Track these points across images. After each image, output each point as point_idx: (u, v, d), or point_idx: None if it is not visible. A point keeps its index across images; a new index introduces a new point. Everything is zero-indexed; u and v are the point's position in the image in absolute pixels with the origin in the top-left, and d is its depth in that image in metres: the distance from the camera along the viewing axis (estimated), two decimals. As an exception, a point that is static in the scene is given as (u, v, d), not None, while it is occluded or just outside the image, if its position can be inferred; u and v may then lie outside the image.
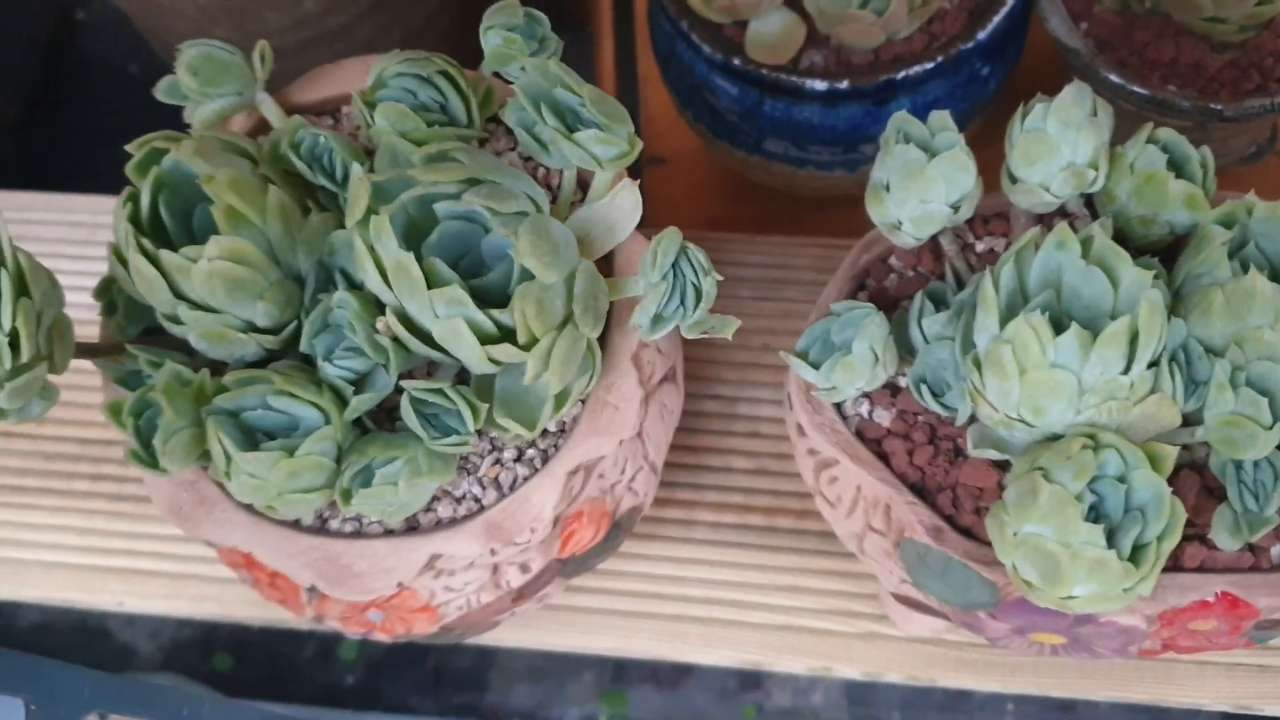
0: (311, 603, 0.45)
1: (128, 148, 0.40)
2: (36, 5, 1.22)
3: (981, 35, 0.60)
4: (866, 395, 0.45)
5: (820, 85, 0.60)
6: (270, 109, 0.45)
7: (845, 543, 0.48)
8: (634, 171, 0.87)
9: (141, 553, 0.59)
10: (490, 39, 0.42)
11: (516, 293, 0.36)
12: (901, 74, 0.59)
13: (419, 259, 0.36)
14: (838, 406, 0.46)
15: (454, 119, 0.42)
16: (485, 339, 0.36)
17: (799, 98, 0.62)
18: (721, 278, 0.39)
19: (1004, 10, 0.60)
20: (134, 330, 0.43)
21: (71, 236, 0.64)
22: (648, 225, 0.66)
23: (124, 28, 0.89)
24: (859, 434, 0.45)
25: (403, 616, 0.45)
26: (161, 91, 0.44)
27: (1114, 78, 0.61)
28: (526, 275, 0.37)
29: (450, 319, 0.36)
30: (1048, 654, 0.48)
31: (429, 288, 0.35)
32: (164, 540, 0.59)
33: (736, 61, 0.61)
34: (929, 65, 0.59)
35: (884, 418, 0.45)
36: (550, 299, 0.36)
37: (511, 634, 0.56)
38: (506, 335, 0.36)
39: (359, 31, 0.82)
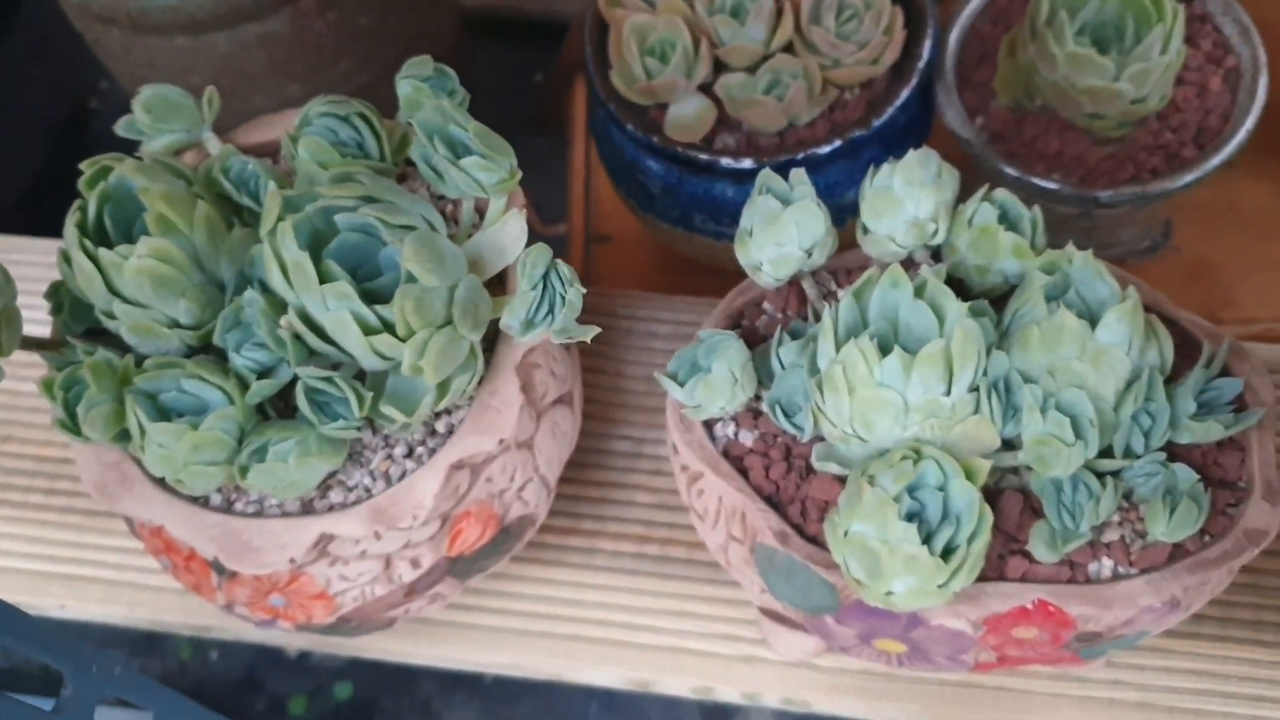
0: (222, 586, 0.50)
1: (80, 165, 0.46)
2: (53, 93, 1.31)
3: (876, 123, 0.66)
4: (733, 418, 0.50)
5: (729, 163, 0.66)
6: (214, 146, 0.51)
7: (716, 557, 0.53)
8: (584, 248, 0.93)
9: (85, 560, 0.63)
10: (403, 87, 0.48)
11: (398, 291, 0.41)
12: (801, 155, 0.66)
13: (318, 262, 0.42)
14: (708, 428, 0.51)
15: (369, 155, 0.48)
16: (368, 330, 0.41)
17: (713, 175, 0.68)
18: (585, 290, 0.44)
19: (898, 102, 0.67)
20: (78, 329, 0.48)
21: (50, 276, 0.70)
22: (594, 285, 0.71)
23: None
24: (725, 452, 0.50)
25: (302, 603, 0.49)
26: (121, 127, 0.51)
27: (1004, 167, 0.68)
28: (412, 279, 0.42)
29: (339, 312, 0.41)
30: (896, 665, 0.51)
31: (321, 283, 0.41)
32: (105, 550, 0.63)
33: (656, 140, 0.67)
34: (827, 149, 0.66)
35: (747, 439, 0.50)
36: (430, 300, 0.42)
37: (414, 646, 0.60)
38: (389, 329, 0.42)
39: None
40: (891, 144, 0.70)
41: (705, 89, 0.67)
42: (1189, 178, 0.66)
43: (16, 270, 0.47)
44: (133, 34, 0.86)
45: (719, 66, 0.67)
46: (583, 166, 1.05)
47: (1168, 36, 0.65)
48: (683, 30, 0.65)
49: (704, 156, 0.66)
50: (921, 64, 0.67)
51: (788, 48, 0.66)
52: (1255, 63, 0.68)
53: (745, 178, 0.67)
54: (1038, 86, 0.68)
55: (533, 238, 0.45)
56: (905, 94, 0.67)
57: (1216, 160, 0.66)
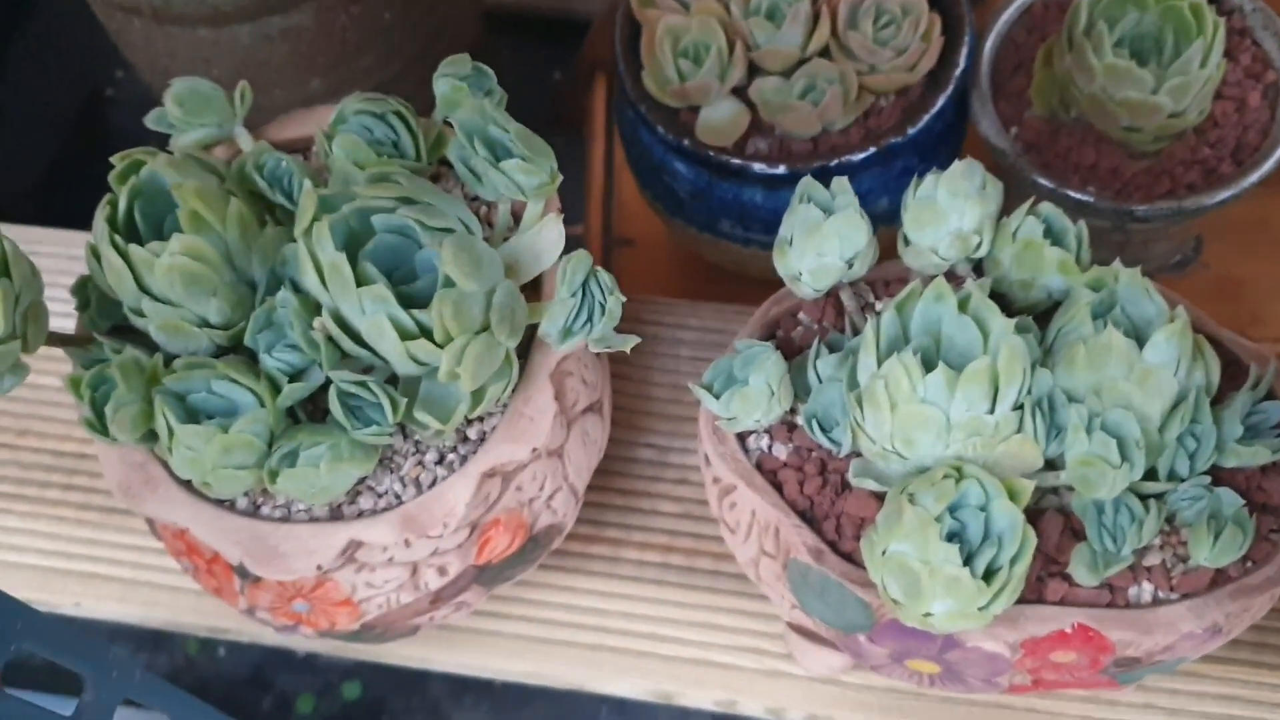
0: (244, 591, 0.49)
1: (112, 159, 0.45)
2: (69, 82, 1.31)
3: (912, 131, 0.65)
4: (768, 431, 0.50)
5: (762, 168, 0.65)
6: (246, 141, 0.50)
7: (745, 569, 0.52)
8: (605, 251, 0.92)
9: (101, 558, 0.62)
10: (440, 86, 0.47)
11: (436, 296, 0.40)
12: (835, 162, 0.65)
13: (354, 264, 0.41)
14: (741, 440, 0.50)
15: (404, 154, 0.47)
16: (405, 335, 0.41)
17: (744, 180, 0.67)
18: (625, 298, 0.43)
19: (934, 110, 0.66)
20: (105, 325, 0.48)
21: (71, 269, 0.69)
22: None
23: (149, 105, 0.97)
24: (758, 465, 0.49)
25: (326, 609, 0.49)
26: (151, 120, 0.50)
27: (1038, 178, 0.67)
28: (449, 284, 0.41)
29: (375, 316, 0.40)
30: (927, 685, 0.51)
31: (358, 286, 0.40)
32: (123, 548, 0.62)
33: (687, 143, 0.66)
34: (861, 156, 0.65)
35: (781, 452, 0.49)
36: (468, 305, 0.41)
37: (436, 652, 0.59)
38: (426, 334, 0.41)
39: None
40: (926, 152, 0.69)
41: (739, 92, 0.66)
42: (1226, 194, 0.65)
43: (36, 262, 0.46)
44: (155, 24, 0.85)
45: (753, 70, 0.66)
46: (602, 167, 1.04)
47: (1208, 50, 0.64)
48: (718, 32, 0.64)
49: (736, 161, 0.66)
50: (958, 72, 0.66)
51: (824, 52, 0.65)
52: (1296, 78, 0.67)
53: (777, 184, 0.66)
54: (1074, 97, 0.67)
55: None
56: (941, 102, 0.66)
57: (1255, 177, 0.65)
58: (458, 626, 0.59)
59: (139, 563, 0.62)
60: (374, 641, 0.53)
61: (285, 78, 0.91)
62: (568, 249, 0.46)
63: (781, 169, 0.65)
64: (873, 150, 0.65)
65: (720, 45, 0.64)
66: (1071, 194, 0.66)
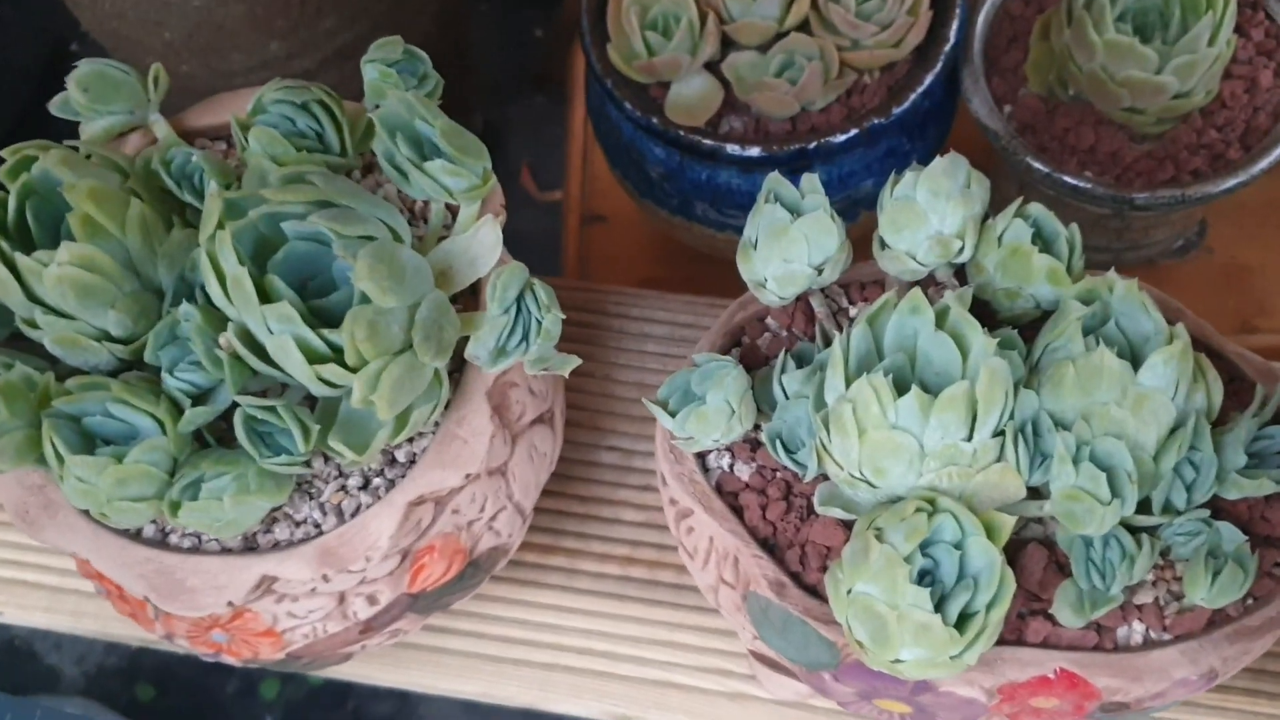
0: (159, 618, 0.45)
1: (0, 153, 0.41)
2: (31, 37, 1.25)
3: (897, 110, 0.61)
4: (729, 449, 0.46)
5: (735, 150, 0.61)
6: (162, 129, 0.46)
7: (705, 595, 0.48)
8: (583, 223, 0.88)
9: (27, 564, 0.59)
10: (368, 72, 0.43)
11: (348, 315, 0.36)
12: (814, 144, 0.60)
13: (263, 275, 0.37)
14: (701, 459, 0.46)
15: (328, 148, 0.43)
16: (314, 358, 0.36)
17: (717, 161, 0.63)
18: (564, 316, 0.39)
19: (920, 88, 0.61)
20: (2, 334, 0.43)
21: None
22: (588, 279, 0.66)
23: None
24: (718, 487, 0.45)
25: (247, 640, 0.45)
26: (55, 106, 0.45)
27: (1032, 162, 0.62)
28: (366, 300, 0.37)
29: (281, 336, 0.36)
30: None
31: (262, 302, 0.36)
32: (49, 554, 0.59)
33: (656, 121, 0.61)
34: (842, 137, 0.60)
35: (744, 472, 0.45)
36: (385, 324, 0.37)
37: (379, 670, 0.56)
38: (338, 356, 0.37)
39: (323, 77, 0.84)
40: (913, 133, 0.64)
41: (711, 68, 0.62)
42: (1233, 181, 0.61)
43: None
44: (102, -17, 0.80)
45: (727, 44, 0.62)
46: (581, 132, 0.99)
47: (1217, 25, 0.59)
48: (688, 3, 0.60)
49: (708, 142, 0.61)
50: (948, 47, 0.62)
51: (803, 26, 0.61)
52: (1312, 56, 0.62)
53: (752, 166, 0.62)
54: (1072, 75, 0.63)
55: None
56: (929, 79, 0.61)
57: (1265, 163, 0.61)
58: (403, 643, 0.56)
59: (66, 569, 0.58)
60: (304, 670, 0.49)
61: (242, 41, 0.86)
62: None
63: (757, 151, 0.61)
64: (855, 131, 0.60)
65: (691, 17, 0.60)
66: (1068, 179, 0.61)
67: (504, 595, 0.57)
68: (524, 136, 1.20)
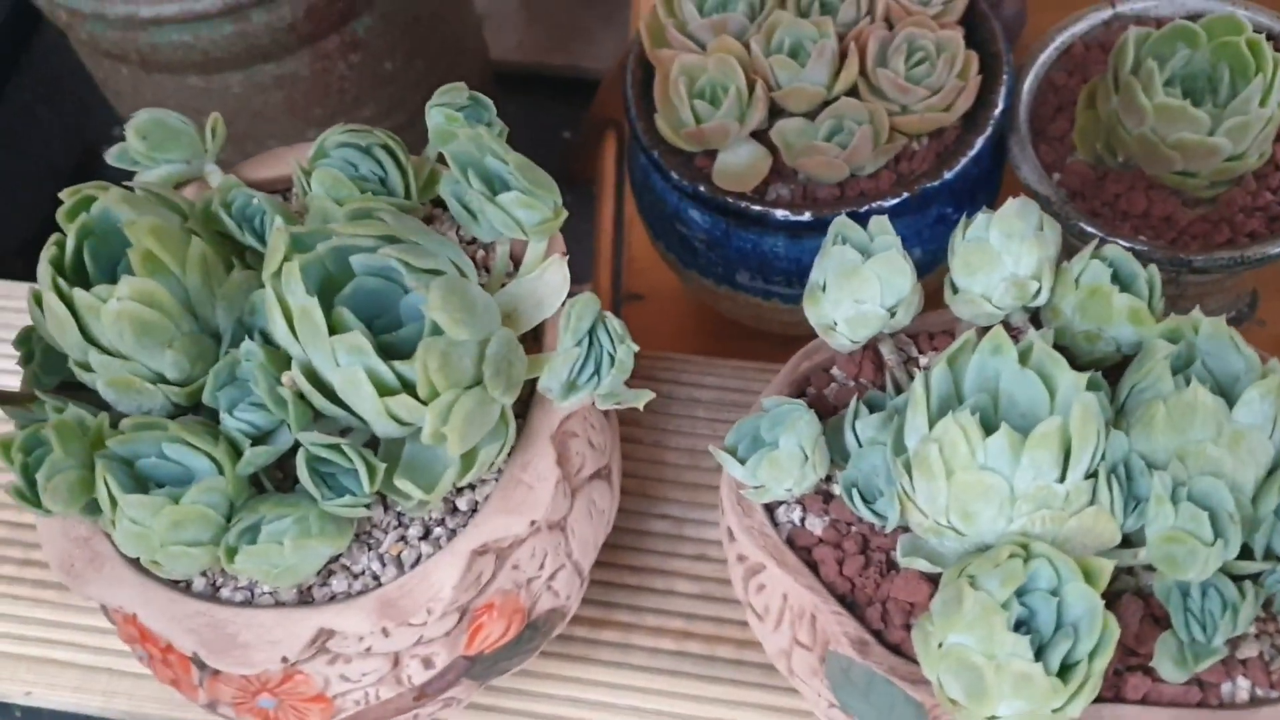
0: (204, 684, 0.43)
1: (61, 195, 0.40)
2: (61, 136, 1.27)
3: (947, 175, 0.60)
4: (800, 502, 0.44)
5: (784, 215, 0.60)
6: (218, 180, 0.45)
7: (774, 662, 0.46)
8: (613, 309, 0.87)
9: (58, 642, 0.56)
10: (433, 116, 0.42)
11: (421, 345, 0.35)
12: (864, 209, 0.59)
13: (329, 310, 0.36)
14: (770, 512, 0.44)
15: (392, 192, 0.42)
16: (384, 390, 0.35)
17: (764, 228, 0.62)
18: (638, 348, 0.38)
19: (970, 154, 0.61)
20: (50, 382, 0.42)
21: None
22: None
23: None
24: (790, 541, 0.43)
25: (295, 705, 0.42)
26: (112, 156, 0.45)
27: (1086, 226, 0.61)
28: (437, 331, 0.36)
29: (350, 368, 0.35)
30: (985, 796, 0.44)
31: (331, 334, 0.35)
32: (82, 630, 0.56)
33: (703, 189, 0.61)
34: (892, 202, 0.60)
35: (816, 526, 0.43)
36: (457, 356, 0.35)
37: (427, 752, 0.53)
38: (408, 389, 0.35)
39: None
40: (961, 200, 0.64)
41: (759, 136, 0.62)
42: (1291, 243, 0.60)
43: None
44: (143, 72, 0.81)
45: (775, 111, 0.61)
46: (611, 225, 1.00)
47: (1268, 87, 0.59)
48: (736, 71, 0.59)
49: (756, 208, 0.60)
50: (997, 112, 0.61)
51: (851, 92, 0.60)
52: (1362, 119, 0.62)
53: (800, 231, 0.61)
54: (1121, 140, 0.62)
55: None
56: (980, 144, 0.61)
57: (1322, 224, 0.60)
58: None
59: (100, 647, 0.56)
60: (352, 742, 0.46)
61: (280, 128, 0.87)
62: None
63: (806, 215, 0.60)
64: (905, 196, 0.60)
65: (739, 85, 0.60)
66: (1123, 243, 0.60)
67: (554, 672, 0.54)
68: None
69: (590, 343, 0.37)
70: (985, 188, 0.65)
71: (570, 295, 0.41)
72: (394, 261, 0.36)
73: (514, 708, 0.54)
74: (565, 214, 0.39)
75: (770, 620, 0.44)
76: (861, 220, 0.60)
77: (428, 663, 0.43)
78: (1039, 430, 0.37)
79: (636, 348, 0.38)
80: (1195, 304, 0.69)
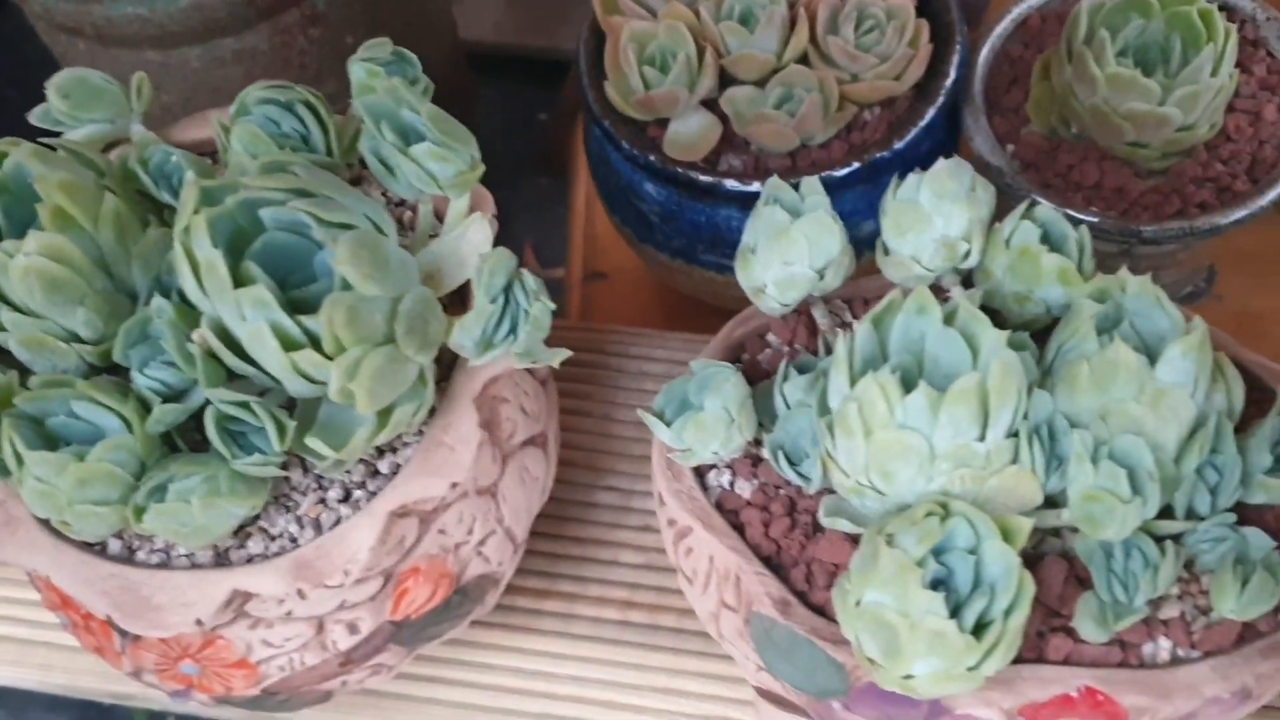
0: (126, 651, 0.42)
1: (-26, 152, 0.40)
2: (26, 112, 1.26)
3: (899, 145, 0.60)
4: (729, 466, 0.44)
5: (734, 185, 0.60)
6: (149, 140, 0.45)
7: (705, 625, 0.45)
8: (581, 291, 0.87)
9: (-6, 616, 0.56)
10: (356, 71, 0.42)
11: (327, 300, 0.34)
12: (815, 178, 0.59)
13: (237, 265, 0.35)
14: (700, 476, 0.44)
15: (314, 149, 0.42)
16: (289, 345, 0.35)
17: (716, 199, 0.61)
18: (554, 306, 0.38)
19: (922, 123, 0.60)
20: (-32, 344, 0.42)
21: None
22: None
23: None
24: (719, 505, 0.43)
25: (219, 671, 0.42)
26: (35, 116, 0.44)
27: (1037, 198, 0.61)
28: (347, 288, 0.35)
29: (255, 322, 0.34)
30: (914, 761, 0.44)
31: (236, 288, 0.34)
32: (19, 604, 0.56)
33: (653, 159, 0.61)
34: (843, 171, 0.59)
35: (745, 489, 0.43)
36: (366, 312, 0.35)
37: (365, 721, 0.53)
38: (316, 345, 0.35)
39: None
40: (914, 169, 0.63)
41: (710, 104, 0.61)
42: (1241, 213, 0.59)
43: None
44: (100, 47, 0.80)
45: (725, 80, 0.61)
46: (584, 207, 0.99)
47: (1219, 58, 0.58)
48: (686, 38, 0.59)
49: (706, 178, 0.60)
50: (949, 82, 0.61)
51: (802, 60, 0.60)
52: (1315, 90, 0.61)
53: (751, 203, 0.60)
54: (1074, 111, 0.62)
55: None
56: (931, 114, 0.60)
57: (1273, 195, 0.59)
58: (388, 692, 0.53)
59: (36, 620, 0.56)
60: (281, 709, 0.46)
61: (241, 105, 0.86)
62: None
63: (756, 186, 0.59)
64: (856, 165, 0.59)
65: (689, 52, 0.59)
66: (1074, 214, 0.60)
67: (496, 642, 0.54)
68: (528, 217, 1.20)
69: (506, 300, 0.37)
70: (939, 157, 0.65)
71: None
72: (303, 215, 0.36)
73: (456, 678, 0.53)
74: (481, 168, 0.38)
75: (699, 583, 0.44)
76: (812, 190, 0.60)
77: (352, 628, 0.42)
78: (956, 387, 0.37)
79: (553, 306, 0.37)
80: (1150, 277, 0.69)
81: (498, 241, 0.40)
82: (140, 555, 0.39)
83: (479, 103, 1.17)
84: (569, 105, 1.14)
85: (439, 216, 0.42)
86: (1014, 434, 0.38)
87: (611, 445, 0.59)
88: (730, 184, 0.60)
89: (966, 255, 0.43)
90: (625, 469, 0.58)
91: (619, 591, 0.55)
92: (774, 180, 0.44)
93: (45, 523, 0.39)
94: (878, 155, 0.60)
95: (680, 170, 0.60)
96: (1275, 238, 0.76)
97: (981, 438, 0.38)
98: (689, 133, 0.61)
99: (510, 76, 1.31)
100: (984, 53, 0.66)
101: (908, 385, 0.38)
